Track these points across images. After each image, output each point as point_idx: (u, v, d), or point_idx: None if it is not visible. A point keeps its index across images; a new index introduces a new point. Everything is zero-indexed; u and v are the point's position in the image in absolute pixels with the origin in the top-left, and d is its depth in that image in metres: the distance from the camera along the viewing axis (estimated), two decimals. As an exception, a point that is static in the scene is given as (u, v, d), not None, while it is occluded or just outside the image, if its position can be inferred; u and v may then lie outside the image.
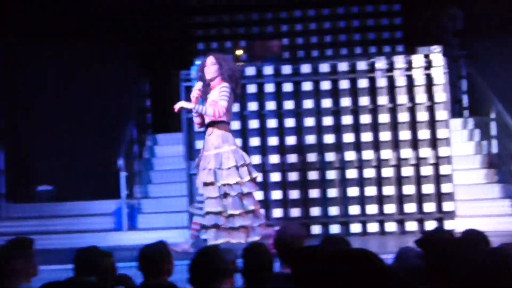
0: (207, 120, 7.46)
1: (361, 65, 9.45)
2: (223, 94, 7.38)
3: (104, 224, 9.55)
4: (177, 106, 7.49)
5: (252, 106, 9.44)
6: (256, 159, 9.15)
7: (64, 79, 11.24)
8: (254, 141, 9.34)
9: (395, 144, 9.24)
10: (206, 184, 7.34)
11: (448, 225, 8.86)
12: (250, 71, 9.48)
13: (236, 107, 9.18)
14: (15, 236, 7.12)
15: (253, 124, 9.39)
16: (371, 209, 9.15)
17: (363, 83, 9.36)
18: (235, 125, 9.18)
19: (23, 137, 11.05)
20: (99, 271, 4.53)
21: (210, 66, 7.50)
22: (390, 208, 9.13)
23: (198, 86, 7.49)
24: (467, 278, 3.45)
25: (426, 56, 9.34)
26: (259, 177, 7.92)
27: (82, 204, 9.99)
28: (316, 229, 9.13)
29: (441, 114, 9.21)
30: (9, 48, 11.06)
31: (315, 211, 9.18)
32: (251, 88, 9.43)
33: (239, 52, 12.48)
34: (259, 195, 8.59)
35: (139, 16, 11.63)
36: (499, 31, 10.99)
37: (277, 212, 9.22)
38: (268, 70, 9.47)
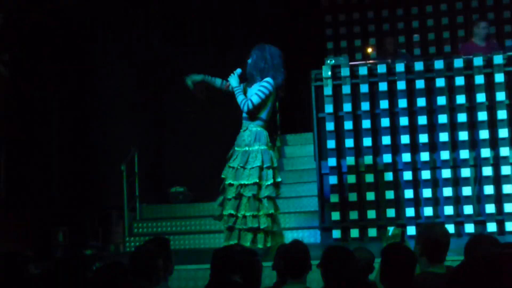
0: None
1: (498, 59, 9.11)
2: (260, 89, 7.27)
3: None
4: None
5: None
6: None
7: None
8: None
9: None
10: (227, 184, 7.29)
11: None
12: (381, 68, 9.31)
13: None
14: (152, 236, 7.39)
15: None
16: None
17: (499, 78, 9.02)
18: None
19: (156, 140, 11.35)
20: (242, 269, 4.59)
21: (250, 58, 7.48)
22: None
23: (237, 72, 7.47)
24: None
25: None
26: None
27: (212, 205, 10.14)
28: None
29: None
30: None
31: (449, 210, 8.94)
32: (383, 86, 9.26)
33: (369, 50, 12.38)
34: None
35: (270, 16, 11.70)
36: None
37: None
38: (400, 67, 9.28)
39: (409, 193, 9.00)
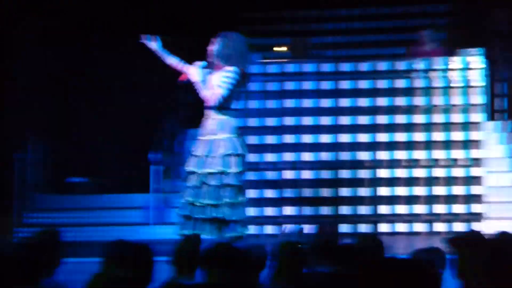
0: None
1: (401, 65, 9.48)
2: (227, 81, 7.20)
3: (135, 217, 9.62)
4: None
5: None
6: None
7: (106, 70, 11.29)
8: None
9: (429, 145, 9.23)
10: (188, 172, 7.24)
11: (475, 226, 8.83)
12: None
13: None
14: (44, 227, 7.32)
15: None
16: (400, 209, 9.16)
17: (401, 83, 9.40)
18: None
19: (59, 129, 11.20)
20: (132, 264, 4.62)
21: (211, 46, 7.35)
22: (419, 209, 9.14)
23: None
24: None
25: (467, 58, 9.33)
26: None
27: (115, 197, 10.12)
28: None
29: (477, 116, 9.17)
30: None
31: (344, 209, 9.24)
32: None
33: (282, 48, 12.50)
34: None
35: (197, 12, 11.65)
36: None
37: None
38: (309, 67, 9.55)
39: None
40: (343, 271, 2.64)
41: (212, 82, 7.26)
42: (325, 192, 9.27)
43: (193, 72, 7.35)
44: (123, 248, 4.75)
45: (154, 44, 7.53)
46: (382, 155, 9.29)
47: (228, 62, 7.22)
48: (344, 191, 9.24)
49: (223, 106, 7.22)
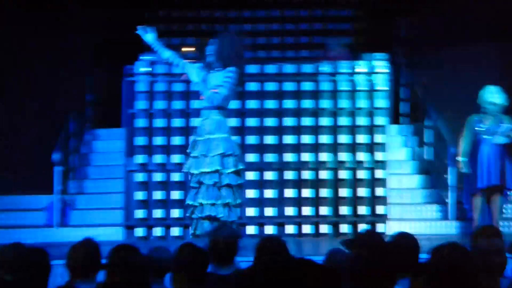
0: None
1: (307, 68, 9.57)
2: (227, 81, 7.26)
3: (35, 219, 9.33)
4: None
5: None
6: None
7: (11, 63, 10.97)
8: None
9: (334, 147, 9.36)
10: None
11: (379, 228, 9.03)
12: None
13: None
14: None
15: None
16: (306, 211, 9.24)
17: (307, 86, 9.50)
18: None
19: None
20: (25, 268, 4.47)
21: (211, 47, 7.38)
22: (324, 210, 9.22)
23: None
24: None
25: (372, 63, 9.50)
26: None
27: (17, 198, 9.83)
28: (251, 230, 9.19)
29: (380, 119, 9.35)
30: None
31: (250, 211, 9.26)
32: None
33: (189, 49, 12.44)
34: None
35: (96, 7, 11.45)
36: (438, 43, 11.21)
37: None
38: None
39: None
40: (243, 272, 2.65)
41: (212, 82, 7.29)
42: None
43: (192, 71, 7.39)
44: (17, 251, 4.60)
45: (150, 36, 7.48)
46: (289, 157, 9.34)
47: (228, 63, 7.26)
48: (251, 193, 9.25)
49: (221, 106, 7.28)
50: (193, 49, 12.25)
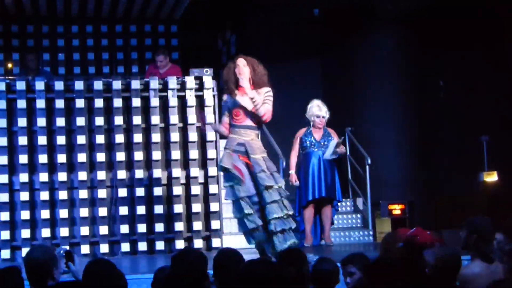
0: (244, 122, 7.28)
1: (135, 84, 9.47)
2: (268, 98, 7.30)
3: None
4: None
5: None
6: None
7: None
8: (24, 159, 9.06)
9: (166, 163, 9.36)
10: (268, 188, 7.11)
11: (215, 242, 9.15)
12: (20, 85, 9.19)
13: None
14: None
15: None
16: (141, 228, 9.17)
17: (137, 102, 9.39)
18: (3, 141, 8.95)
19: None
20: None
21: (243, 68, 7.31)
22: (159, 227, 9.21)
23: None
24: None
25: (198, 78, 9.55)
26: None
27: None
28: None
29: (211, 134, 9.44)
30: None
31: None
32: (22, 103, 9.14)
33: (9, 65, 12.06)
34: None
35: None
36: (266, 57, 11.53)
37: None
38: (40, 85, 9.22)
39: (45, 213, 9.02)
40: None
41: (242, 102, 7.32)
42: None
43: (247, 103, 7.29)
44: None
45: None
46: (121, 174, 9.23)
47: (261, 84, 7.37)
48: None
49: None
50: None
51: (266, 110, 7.25)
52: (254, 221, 7.09)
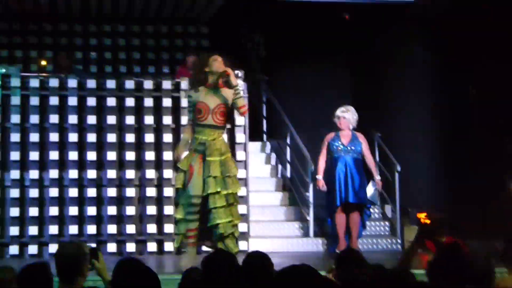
0: (206, 121, 7.18)
1: (166, 84, 9.50)
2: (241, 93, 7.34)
3: None
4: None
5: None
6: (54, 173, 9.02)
7: None
8: (54, 155, 9.12)
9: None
10: (213, 194, 7.06)
11: (242, 245, 9.09)
12: (53, 82, 9.25)
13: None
14: None
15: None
16: (168, 228, 9.15)
17: (168, 102, 9.42)
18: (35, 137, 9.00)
19: None
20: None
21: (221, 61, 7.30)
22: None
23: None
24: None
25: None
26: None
27: None
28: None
29: (240, 136, 9.44)
30: None
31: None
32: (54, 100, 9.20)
33: (43, 62, 12.14)
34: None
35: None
36: (295, 61, 11.56)
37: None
38: (72, 83, 9.28)
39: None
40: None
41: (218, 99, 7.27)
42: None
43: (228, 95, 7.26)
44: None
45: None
46: (150, 174, 9.26)
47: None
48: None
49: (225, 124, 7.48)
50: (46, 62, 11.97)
51: (245, 102, 7.31)
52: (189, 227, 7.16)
